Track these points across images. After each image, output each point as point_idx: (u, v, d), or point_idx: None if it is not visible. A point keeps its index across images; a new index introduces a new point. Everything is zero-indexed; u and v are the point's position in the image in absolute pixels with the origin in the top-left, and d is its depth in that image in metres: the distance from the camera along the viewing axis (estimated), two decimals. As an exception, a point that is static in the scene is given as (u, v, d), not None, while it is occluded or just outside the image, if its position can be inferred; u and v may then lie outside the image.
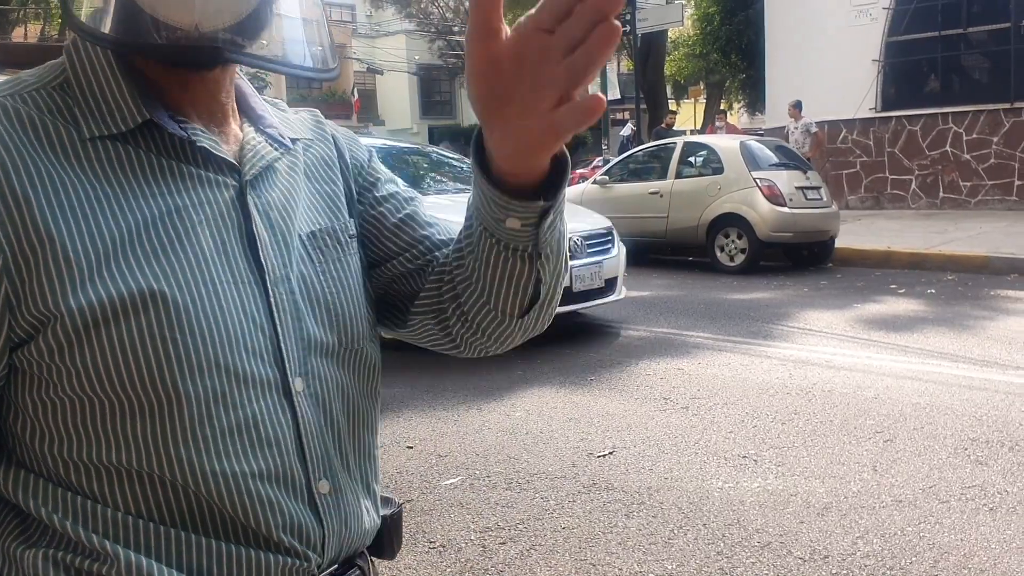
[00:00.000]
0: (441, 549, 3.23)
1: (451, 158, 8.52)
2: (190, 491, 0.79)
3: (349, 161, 1.01)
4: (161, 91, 0.83)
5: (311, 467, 0.86)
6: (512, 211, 0.80)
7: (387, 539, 1.00)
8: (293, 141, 0.94)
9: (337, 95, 36.13)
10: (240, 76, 0.92)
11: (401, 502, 1.01)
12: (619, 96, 25.53)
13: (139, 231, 0.78)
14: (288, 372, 0.84)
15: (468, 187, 0.87)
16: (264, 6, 0.80)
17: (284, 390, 0.84)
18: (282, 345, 0.84)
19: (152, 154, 0.82)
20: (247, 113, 0.92)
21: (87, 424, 0.77)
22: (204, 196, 0.83)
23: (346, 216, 0.97)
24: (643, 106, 21.57)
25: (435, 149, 9.17)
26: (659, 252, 11.89)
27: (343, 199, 0.98)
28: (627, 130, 19.91)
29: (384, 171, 1.04)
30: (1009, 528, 3.21)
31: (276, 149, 0.91)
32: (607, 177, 11.59)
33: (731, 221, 10.14)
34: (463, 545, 3.24)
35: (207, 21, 0.76)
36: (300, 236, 0.90)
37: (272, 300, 0.84)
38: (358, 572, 0.93)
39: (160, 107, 0.82)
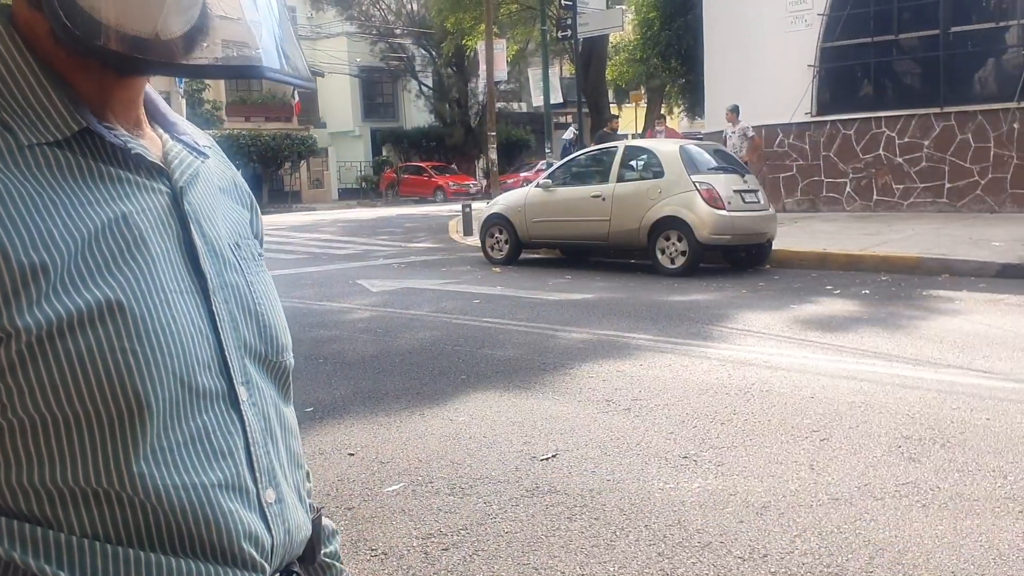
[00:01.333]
0: (383, 556, 3.20)
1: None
2: (148, 507, 0.76)
3: (248, 202, 1.02)
4: (82, 93, 0.80)
5: (259, 476, 0.86)
6: None
7: (311, 545, 1.00)
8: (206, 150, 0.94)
9: (277, 97, 35.70)
10: (148, 82, 0.90)
11: (319, 506, 1.02)
12: (561, 100, 25.66)
13: (91, 240, 0.76)
14: (234, 382, 0.84)
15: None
16: (207, 11, 0.78)
17: (232, 400, 0.84)
18: (226, 355, 0.84)
19: (90, 160, 0.79)
20: (158, 120, 0.91)
21: (39, 445, 0.74)
22: (145, 203, 0.81)
23: (252, 236, 0.98)
24: (585, 110, 21.72)
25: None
26: (601, 255, 11.99)
27: (247, 220, 0.99)
28: (569, 134, 20.02)
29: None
30: (941, 524, 3.29)
31: (196, 157, 0.90)
32: (550, 181, 11.65)
33: (672, 224, 10.25)
34: (405, 552, 3.22)
35: (166, 28, 0.74)
36: (228, 245, 0.89)
37: (214, 309, 0.84)
38: None
39: (87, 112, 0.79)
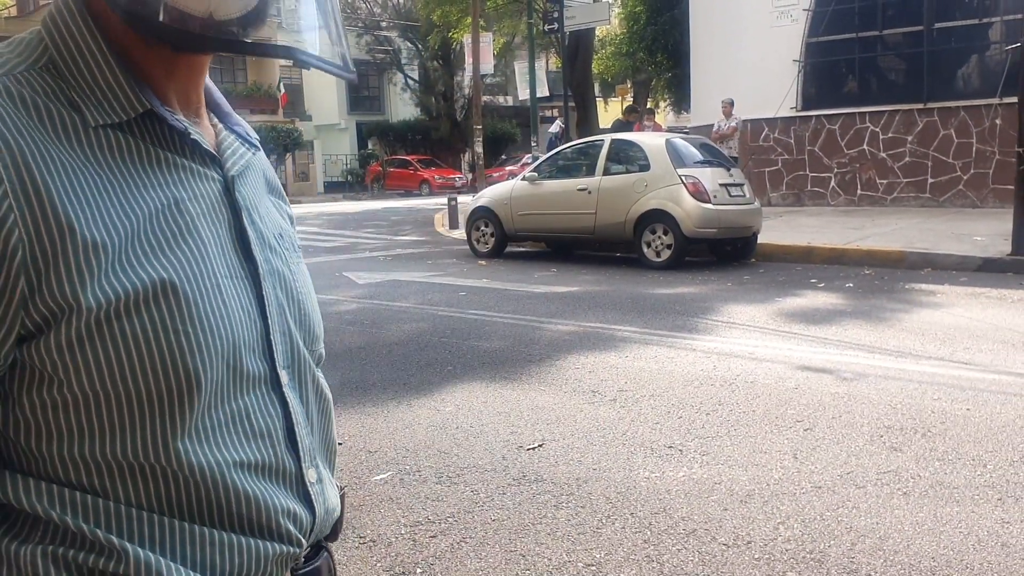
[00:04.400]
0: (371, 544, 3.22)
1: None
2: (191, 482, 0.79)
3: (285, 199, 1.06)
4: (148, 76, 0.82)
5: (303, 456, 0.89)
6: None
7: (336, 524, 1.03)
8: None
9: (263, 89, 35.52)
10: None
11: (343, 486, 1.05)
12: (548, 94, 25.69)
13: (147, 222, 0.78)
14: (276, 365, 0.87)
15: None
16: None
17: (274, 383, 0.87)
18: (271, 339, 0.87)
19: (148, 144, 0.82)
20: (214, 109, 0.94)
21: (91, 420, 0.76)
22: (198, 189, 0.84)
23: (293, 231, 1.01)
24: (571, 104, 21.73)
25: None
26: (587, 248, 12.02)
27: (286, 215, 1.02)
28: (556, 127, 20.06)
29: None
30: (921, 511, 3.34)
31: (248, 148, 0.94)
32: (536, 174, 11.66)
33: (657, 217, 10.29)
34: (393, 539, 3.24)
35: (221, 9, 0.76)
36: (273, 235, 0.93)
37: (264, 294, 0.87)
38: (326, 555, 0.97)
39: (151, 95, 0.81)
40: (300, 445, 0.89)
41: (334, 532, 1.01)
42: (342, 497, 1.03)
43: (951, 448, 3.98)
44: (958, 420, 4.35)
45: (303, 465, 0.89)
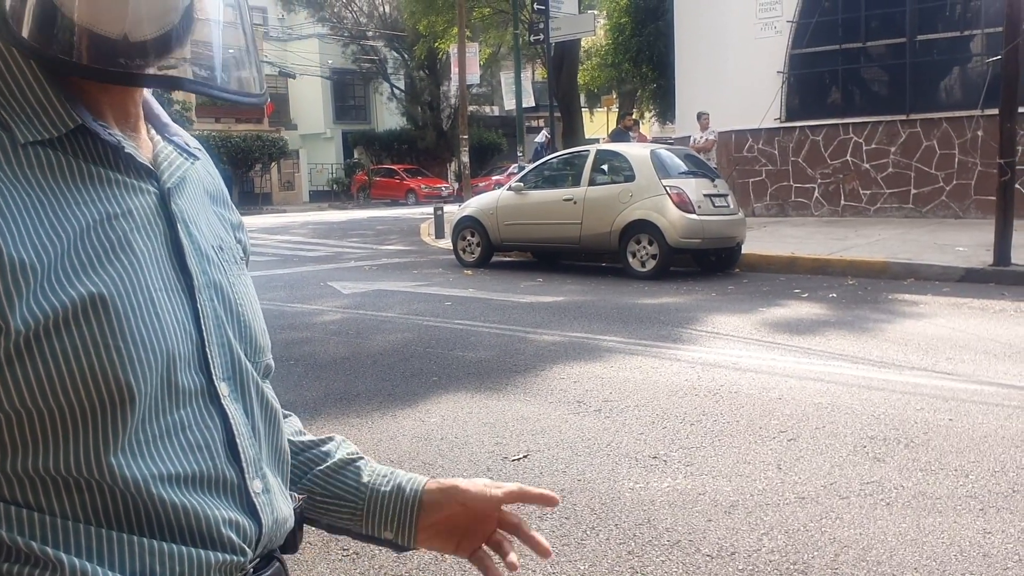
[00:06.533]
0: (355, 556, 3.20)
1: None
2: (127, 495, 0.79)
3: (232, 208, 1.05)
4: (81, 91, 0.82)
5: (246, 467, 0.88)
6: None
7: (292, 534, 1.02)
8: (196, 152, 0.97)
9: (249, 98, 35.37)
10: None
11: (301, 497, 1.04)
12: (534, 104, 25.75)
13: (79, 239, 0.78)
14: (214, 378, 0.87)
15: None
16: (188, 20, 0.80)
17: (211, 395, 0.86)
18: (207, 351, 0.86)
19: (80, 160, 0.81)
20: (152, 120, 0.93)
21: (25, 436, 0.75)
22: (132, 203, 0.83)
23: (234, 241, 1.00)
24: (557, 114, 21.79)
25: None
26: (573, 258, 12.05)
27: (230, 225, 1.02)
28: (542, 137, 20.11)
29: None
30: (904, 521, 3.36)
31: (187, 159, 0.93)
32: (522, 184, 11.69)
33: (642, 228, 10.33)
34: (377, 551, 3.22)
35: (136, 31, 0.76)
36: (211, 247, 0.92)
37: (199, 307, 0.86)
38: (278, 565, 0.96)
39: (83, 109, 0.81)
40: (243, 456, 0.88)
41: (293, 543, 1.01)
42: (298, 508, 1.02)
43: (934, 458, 4.00)
44: (940, 430, 4.38)
45: (246, 476, 0.88)
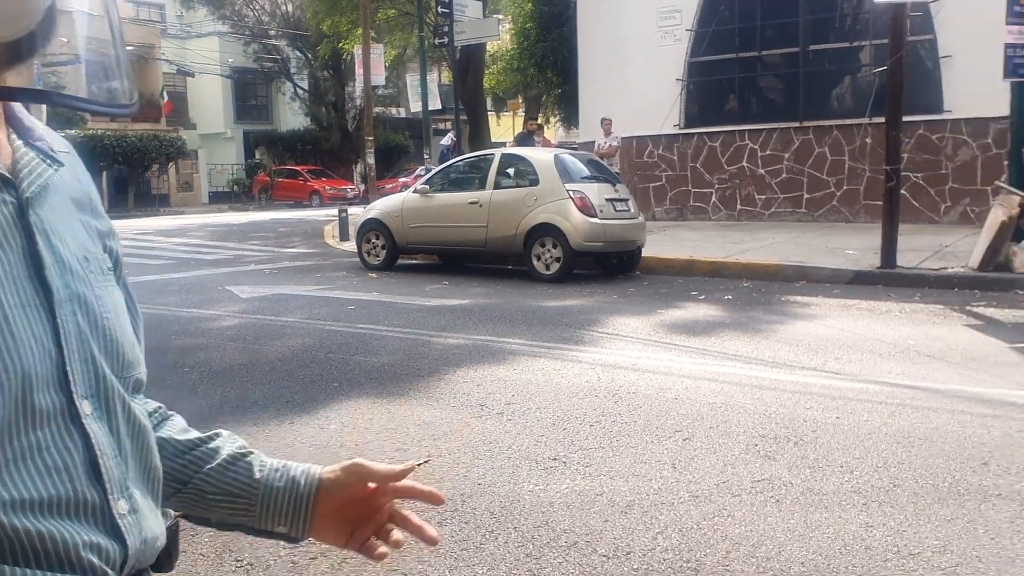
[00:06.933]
0: (249, 567, 3.14)
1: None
2: None
3: (101, 216, 0.99)
4: None
5: (109, 488, 0.85)
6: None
7: (167, 552, 0.99)
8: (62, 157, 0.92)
9: (145, 96, 34.38)
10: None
11: (176, 515, 1.02)
12: (440, 107, 25.71)
13: None
14: (75, 397, 0.82)
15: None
16: (50, 23, 0.76)
17: (71, 415, 0.82)
18: (68, 369, 0.82)
19: None
20: (14, 125, 0.88)
21: None
22: None
23: (102, 251, 0.95)
24: (463, 117, 21.80)
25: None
26: (479, 261, 12.07)
27: (98, 234, 0.96)
28: (448, 140, 20.07)
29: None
30: (793, 518, 3.47)
31: (50, 166, 0.88)
32: (428, 187, 11.65)
33: (547, 231, 10.42)
34: (272, 563, 3.16)
35: None
36: (76, 258, 0.87)
37: (59, 323, 0.82)
38: None
39: None
40: (106, 477, 0.85)
41: (168, 562, 0.98)
42: (172, 526, 1.00)
43: (821, 456, 4.15)
44: (828, 428, 4.54)
45: (110, 497, 0.85)
